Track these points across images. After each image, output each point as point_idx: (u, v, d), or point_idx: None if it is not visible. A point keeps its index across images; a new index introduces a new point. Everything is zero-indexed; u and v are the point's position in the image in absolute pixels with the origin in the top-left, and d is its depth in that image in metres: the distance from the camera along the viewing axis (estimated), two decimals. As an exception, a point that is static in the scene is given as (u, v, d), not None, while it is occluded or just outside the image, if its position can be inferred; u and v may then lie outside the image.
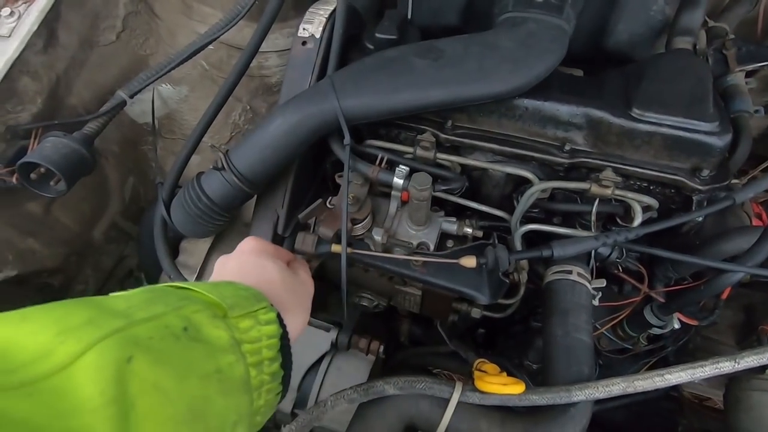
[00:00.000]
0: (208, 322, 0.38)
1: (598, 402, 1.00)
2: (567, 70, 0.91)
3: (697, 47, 0.95)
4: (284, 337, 0.45)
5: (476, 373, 0.62)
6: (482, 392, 0.59)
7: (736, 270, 0.65)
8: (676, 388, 1.06)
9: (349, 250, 0.68)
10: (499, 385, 0.57)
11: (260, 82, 1.15)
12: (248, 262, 0.54)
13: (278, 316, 0.45)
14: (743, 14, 1.03)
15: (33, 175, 0.82)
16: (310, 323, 0.83)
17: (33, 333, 0.29)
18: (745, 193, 0.67)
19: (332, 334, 0.89)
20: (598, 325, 0.86)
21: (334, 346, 0.89)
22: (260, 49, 0.96)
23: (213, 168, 0.73)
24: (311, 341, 0.89)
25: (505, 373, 0.61)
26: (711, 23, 0.98)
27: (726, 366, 0.59)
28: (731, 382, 0.76)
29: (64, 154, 0.81)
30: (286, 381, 0.45)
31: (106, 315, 0.33)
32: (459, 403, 0.59)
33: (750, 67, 0.92)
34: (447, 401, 0.59)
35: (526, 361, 0.92)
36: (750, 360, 0.60)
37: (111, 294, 0.39)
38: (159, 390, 0.31)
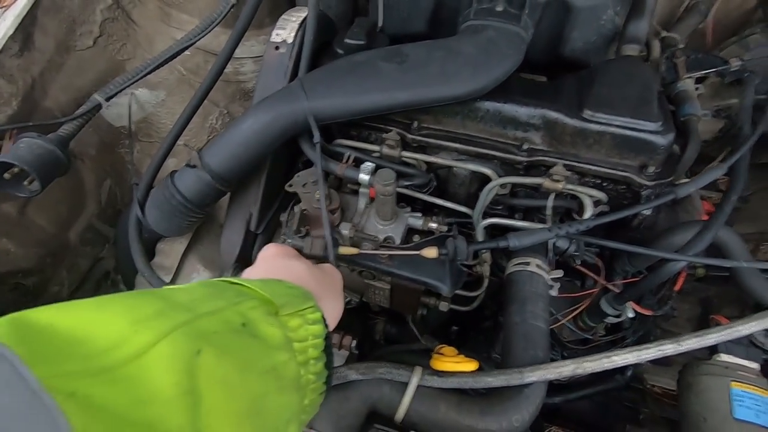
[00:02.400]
0: (263, 319, 0.38)
1: (563, 393, 1.04)
2: (531, 77, 0.96)
3: (651, 56, 1.02)
4: (328, 337, 0.45)
5: (434, 355, 0.65)
6: (441, 376, 0.61)
7: (677, 259, 0.70)
8: (639, 379, 1.10)
9: (357, 250, 0.69)
10: (452, 363, 0.60)
11: (237, 87, 1.17)
12: (275, 265, 0.55)
13: (323, 316, 0.45)
14: (695, 25, 1.10)
15: (7, 176, 0.83)
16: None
17: (109, 321, 0.29)
18: (687, 189, 0.72)
19: (306, 330, 0.91)
20: (560, 317, 0.90)
21: (308, 342, 0.91)
22: (237, 55, 0.99)
23: (186, 165, 0.75)
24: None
25: (462, 356, 0.64)
26: (664, 33, 1.05)
27: (669, 348, 0.64)
28: (684, 368, 0.80)
29: (39, 155, 0.82)
30: (329, 381, 0.45)
31: (174, 307, 0.33)
32: (419, 386, 0.61)
33: (698, 74, 0.99)
34: (407, 385, 0.62)
35: (493, 354, 0.95)
36: (691, 342, 0.64)
37: (170, 287, 0.40)
38: (225, 384, 0.31)
